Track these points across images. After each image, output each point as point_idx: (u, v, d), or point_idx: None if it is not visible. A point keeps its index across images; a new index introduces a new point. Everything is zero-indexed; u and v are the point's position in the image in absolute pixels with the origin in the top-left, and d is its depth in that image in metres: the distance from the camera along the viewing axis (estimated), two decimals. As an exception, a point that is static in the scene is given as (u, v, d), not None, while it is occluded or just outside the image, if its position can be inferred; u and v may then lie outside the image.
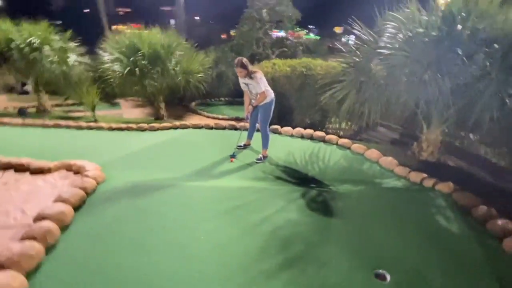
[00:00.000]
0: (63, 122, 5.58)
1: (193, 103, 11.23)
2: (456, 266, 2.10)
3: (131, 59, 6.56)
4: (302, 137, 5.01)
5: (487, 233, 2.48)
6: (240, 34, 11.64)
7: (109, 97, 10.91)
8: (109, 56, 6.64)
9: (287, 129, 5.20)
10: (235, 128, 5.32)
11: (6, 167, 3.29)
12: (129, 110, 10.38)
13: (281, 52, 12.28)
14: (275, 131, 5.22)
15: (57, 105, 9.84)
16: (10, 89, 11.88)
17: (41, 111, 7.99)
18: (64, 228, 2.19)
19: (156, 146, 4.41)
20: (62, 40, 7.74)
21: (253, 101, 4.00)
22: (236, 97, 11.25)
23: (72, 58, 7.71)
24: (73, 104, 9.71)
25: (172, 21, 20.10)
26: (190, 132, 5.21)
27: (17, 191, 2.84)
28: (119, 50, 6.63)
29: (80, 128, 5.38)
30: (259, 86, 3.76)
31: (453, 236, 2.49)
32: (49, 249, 1.98)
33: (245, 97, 4.12)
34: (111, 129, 5.34)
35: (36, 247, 1.89)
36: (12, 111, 8.12)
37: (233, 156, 4.01)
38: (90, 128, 5.38)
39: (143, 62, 6.64)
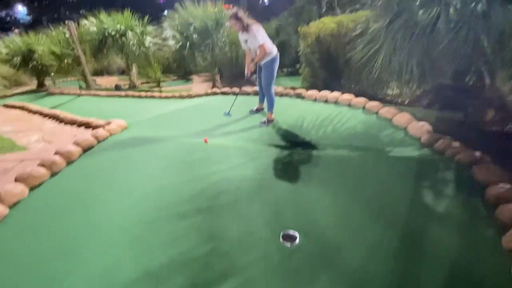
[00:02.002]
0: (130, 93, 6.88)
1: (254, 76, 11.41)
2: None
3: (184, 34, 7.22)
4: (326, 101, 4.47)
5: None
6: (300, -6, 10.68)
7: (186, 74, 12.47)
8: (167, 33, 7.50)
9: (311, 92, 4.73)
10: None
11: (72, 122, 4.45)
12: (198, 85, 11.57)
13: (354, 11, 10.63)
14: (298, 96, 4.85)
15: (147, 82, 12.03)
16: (122, 72, 15.25)
17: (131, 87, 9.99)
18: (70, 162, 2.89)
19: (182, 110, 4.93)
20: (141, 25, 9.21)
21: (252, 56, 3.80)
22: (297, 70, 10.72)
23: (148, 39, 9.11)
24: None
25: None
26: (219, 98, 5.49)
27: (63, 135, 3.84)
28: (175, 27, 7.38)
29: (140, 97, 6.51)
30: (256, 40, 3.50)
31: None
32: (53, 174, 2.69)
33: (247, 56, 3.97)
34: (160, 97, 6.22)
35: (41, 171, 2.60)
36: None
37: (227, 114, 4.06)
38: (146, 97, 6.43)
39: (194, 36, 7.21)
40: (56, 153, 2.91)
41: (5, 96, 8.83)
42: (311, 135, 3.35)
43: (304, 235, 1.76)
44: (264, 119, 3.86)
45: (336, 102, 4.35)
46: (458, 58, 3.13)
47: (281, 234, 1.77)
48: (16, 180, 2.50)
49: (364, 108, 4.00)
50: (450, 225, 1.80)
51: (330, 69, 6.27)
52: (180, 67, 11.91)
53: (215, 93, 5.68)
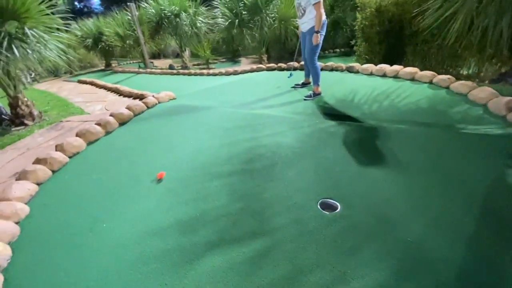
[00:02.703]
0: (181, 71, 7.16)
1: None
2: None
3: (234, 11, 7.15)
4: (384, 76, 3.94)
5: None
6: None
7: (235, 56, 12.56)
8: (217, 12, 7.52)
9: (366, 66, 4.23)
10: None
11: (129, 95, 4.80)
12: (246, 66, 11.58)
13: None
14: (350, 70, 4.39)
15: (197, 64, 12.50)
16: (176, 55, 16.12)
17: (183, 68, 10.47)
18: (122, 124, 3.11)
19: (228, 84, 4.92)
20: (194, 6, 9.45)
21: (299, 21, 3.47)
22: (351, 47, 9.83)
23: (200, 20, 9.32)
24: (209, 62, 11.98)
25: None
26: (264, 74, 5.33)
27: (121, 105, 4.15)
28: (225, 4, 7.35)
29: (190, 74, 6.73)
30: None
31: None
32: (107, 132, 2.92)
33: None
34: (208, 74, 6.34)
35: (97, 129, 2.84)
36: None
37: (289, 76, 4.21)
38: (196, 74, 6.62)
39: (243, 13, 7.10)
40: (111, 115, 3.15)
41: (79, 74, 10.11)
42: (363, 109, 2.98)
43: (346, 206, 1.55)
44: (310, 92, 3.57)
45: (396, 77, 3.81)
46: None
47: (319, 202, 1.59)
48: (77, 135, 2.77)
49: (431, 82, 3.41)
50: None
51: (391, 44, 5.56)
52: (228, 49, 12.04)
53: (260, 69, 5.53)
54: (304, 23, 3.36)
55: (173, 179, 1.99)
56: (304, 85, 4.03)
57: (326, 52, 11.42)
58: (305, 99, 3.50)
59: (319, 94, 3.55)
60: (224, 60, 12.06)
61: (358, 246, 1.29)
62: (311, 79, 3.89)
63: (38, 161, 2.34)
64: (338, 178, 1.80)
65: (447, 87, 3.19)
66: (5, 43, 3.42)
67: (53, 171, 2.32)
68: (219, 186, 1.84)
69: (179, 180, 1.97)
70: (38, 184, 2.15)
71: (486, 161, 1.85)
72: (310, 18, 3.24)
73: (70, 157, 2.52)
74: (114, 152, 2.56)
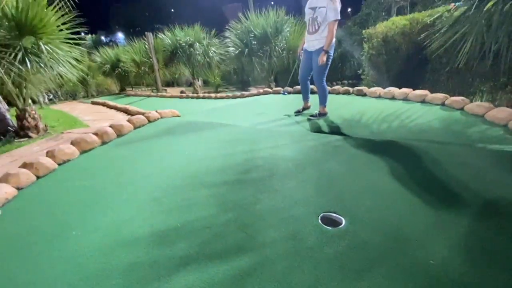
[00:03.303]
0: (190, 94, 7.31)
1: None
2: None
3: (244, 41, 7.46)
4: (393, 98, 3.82)
5: None
6: (369, 2, 10.07)
7: (244, 85, 12.94)
8: (228, 42, 7.88)
9: (374, 89, 4.13)
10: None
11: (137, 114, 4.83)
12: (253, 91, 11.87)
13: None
14: (358, 93, 4.30)
15: (208, 92, 12.89)
16: (189, 84, 16.82)
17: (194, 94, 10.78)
18: (119, 135, 3.01)
19: (233, 105, 4.91)
20: (208, 38, 9.98)
21: (308, 37, 3.18)
22: (358, 79, 9.96)
23: (212, 50, 9.77)
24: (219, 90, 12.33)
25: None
26: (270, 96, 5.32)
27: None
28: (236, 35, 7.71)
29: (198, 98, 6.85)
30: (332, 13, 2.89)
31: None
32: (103, 143, 2.81)
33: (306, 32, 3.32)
34: (216, 98, 6.42)
35: (93, 138, 2.74)
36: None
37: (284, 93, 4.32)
38: (204, 98, 6.72)
39: (253, 43, 7.38)
40: (110, 126, 3.08)
41: (95, 97, 10.53)
42: (372, 128, 2.80)
43: (352, 221, 1.31)
44: (316, 112, 3.41)
45: (405, 99, 3.68)
46: None
47: (321, 215, 1.35)
48: (71, 143, 2.68)
49: (443, 104, 3.24)
50: None
51: (398, 73, 5.54)
52: (238, 79, 12.46)
53: (267, 92, 5.54)
54: (315, 41, 3.13)
55: (159, 188, 1.80)
56: (304, 109, 3.70)
57: (334, 83, 11.63)
58: (309, 119, 3.36)
59: (325, 114, 3.39)
60: (234, 89, 12.39)
61: (366, 268, 1.03)
62: (309, 103, 3.72)
63: (24, 165, 2.21)
64: (343, 191, 1.57)
65: (461, 109, 3.01)
66: (19, 56, 3.55)
67: (38, 177, 2.18)
68: (208, 196, 1.63)
69: (165, 189, 1.78)
70: (18, 188, 2.00)
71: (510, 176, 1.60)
72: (323, 36, 3.05)
73: (60, 164, 2.39)
74: (104, 161, 2.42)
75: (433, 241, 1.15)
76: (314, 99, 3.63)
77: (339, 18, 2.95)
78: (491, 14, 2.94)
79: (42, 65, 3.78)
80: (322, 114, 3.38)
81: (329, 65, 3.25)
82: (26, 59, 3.62)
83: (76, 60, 4.31)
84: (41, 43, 3.70)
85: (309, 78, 3.51)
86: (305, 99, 3.69)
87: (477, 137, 2.36)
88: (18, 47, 3.58)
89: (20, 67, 3.56)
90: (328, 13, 2.92)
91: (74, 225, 1.49)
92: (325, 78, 3.33)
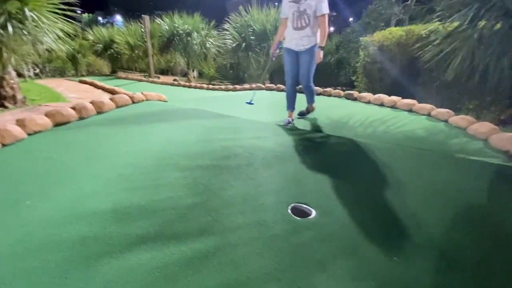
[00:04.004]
0: (182, 83, 7.18)
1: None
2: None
3: (242, 35, 7.38)
4: (382, 105, 3.84)
5: None
6: (370, 12, 10.17)
7: (240, 81, 12.84)
8: (227, 34, 7.77)
9: (365, 94, 4.15)
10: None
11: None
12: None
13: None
14: (348, 97, 4.32)
15: (202, 83, 12.73)
16: (184, 74, 16.58)
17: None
18: (99, 112, 2.89)
19: (223, 97, 4.85)
20: (207, 28, 9.83)
21: (293, 34, 2.78)
22: (352, 86, 10.04)
23: (210, 41, 9.63)
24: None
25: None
26: (262, 92, 5.28)
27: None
28: (235, 28, 7.61)
29: (190, 87, 6.73)
30: (324, 4, 2.61)
31: None
32: (81, 118, 2.69)
33: (281, 28, 2.98)
34: (208, 89, 6.33)
35: (70, 112, 2.62)
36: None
37: (249, 102, 3.59)
38: (196, 87, 6.62)
39: (251, 37, 7.31)
40: (91, 102, 2.95)
41: (85, 77, 10.19)
42: (357, 131, 2.79)
43: (322, 214, 1.27)
44: (303, 110, 3.30)
45: (393, 107, 3.71)
46: None
47: (291, 206, 1.31)
48: (45, 114, 2.54)
49: (429, 115, 3.28)
50: None
51: (391, 82, 5.60)
52: (234, 74, 12.35)
53: (259, 88, 5.49)
54: (304, 38, 2.76)
55: (130, 166, 1.72)
56: (291, 122, 3.01)
57: (328, 89, 11.70)
58: (298, 117, 3.30)
59: (314, 110, 3.31)
60: (228, 83, 12.27)
61: (330, 260, 0.99)
62: (294, 114, 3.15)
63: (-11, 131, 2.08)
64: (318, 185, 1.54)
65: (446, 121, 3.05)
66: (1, 20, 3.35)
67: (4, 145, 2.05)
68: (179, 178, 1.56)
69: (136, 168, 1.70)
70: (-21, 155, 1.87)
71: (485, 185, 1.61)
72: (315, 31, 2.74)
73: (29, 134, 2.26)
74: (79, 136, 2.30)
75: (401, 239, 1.12)
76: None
77: (327, 11, 2.67)
78: (483, 32, 3.00)
79: (25, 33, 3.59)
80: (309, 111, 3.32)
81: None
82: (9, 24, 3.43)
83: (66, 33, 4.13)
84: (26, 9, 3.51)
85: (297, 85, 3.08)
86: (292, 108, 3.08)
87: (458, 148, 2.38)
88: (2, 11, 3.39)
89: (1, 31, 3.37)
90: (319, 5, 2.62)
91: (30, 195, 1.39)
92: (312, 79, 2.98)
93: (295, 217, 1.24)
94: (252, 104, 3.65)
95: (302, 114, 3.29)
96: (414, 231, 1.19)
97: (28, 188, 1.47)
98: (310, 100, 3.25)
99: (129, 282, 0.89)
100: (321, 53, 2.77)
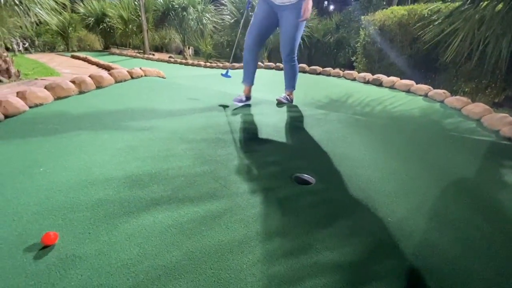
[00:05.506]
0: (179, 60, 7.03)
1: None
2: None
3: (241, 11, 7.15)
4: (380, 85, 3.88)
5: None
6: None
7: (237, 59, 12.58)
8: (225, 9, 7.52)
9: (364, 74, 4.18)
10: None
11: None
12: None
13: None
14: (347, 76, 4.33)
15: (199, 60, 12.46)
16: (179, 52, 16.11)
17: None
18: (99, 87, 2.87)
19: (218, 75, 4.77)
20: (203, 3, 9.47)
21: None
22: (351, 67, 9.95)
23: (207, 17, 9.32)
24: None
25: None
26: (260, 71, 5.23)
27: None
28: (233, 3, 7.36)
29: (187, 64, 6.61)
30: None
31: None
32: (81, 92, 2.68)
33: None
34: (205, 66, 6.24)
35: (70, 86, 2.60)
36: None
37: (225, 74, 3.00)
38: (193, 65, 6.50)
39: (250, 14, 7.09)
40: (90, 76, 2.92)
41: (76, 52, 9.86)
42: (355, 110, 2.86)
43: (323, 182, 1.36)
44: (284, 95, 2.63)
45: (391, 87, 3.76)
46: None
47: (294, 175, 1.40)
48: (45, 87, 2.52)
49: (426, 95, 3.35)
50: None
51: (390, 63, 5.59)
52: (232, 53, 12.08)
53: (259, 67, 5.44)
54: None
55: (136, 138, 1.76)
56: (247, 100, 2.59)
57: (327, 68, 11.57)
58: (278, 105, 2.58)
59: (292, 101, 2.69)
60: (225, 62, 12.03)
61: (331, 219, 1.09)
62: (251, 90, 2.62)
63: (-9, 102, 2.08)
64: (320, 157, 1.62)
65: (442, 101, 3.12)
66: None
67: (6, 116, 2.06)
68: (186, 149, 1.62)
69: (142, 139, 1.74)
70: (-17, 125, 1.89)
71: (476, 159, 1.71)
72: None
73: (31, 107, 2.26)
74: (81, 109, 2.31)
75: (395, 203, 1.22)
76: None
77: None
78: (484, 13, 2.99)
79: (17, 2, 3.45)
80: (290, 100, 2.66)
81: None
82: (-2, -8, 3.28)
83: (57, 4, 3.97)
84: (16, -24, 3.35)
85: (260, 49, 2.54)
86: (249, 81, 2.53)
87: (452, 127, 2.47)
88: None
89: (-9, 0, 3.24)
90: None
91: (42, 163, 1.44)
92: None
93: (298, 184, 1.33)
94: (230, 77, 3.06)
95: (280, 103, 2.60)
96: (407, 197, 1.29)
97: (38, 157, 1.51)
98: (290, 84, 2.56)
99: (149, 237, 0.97)
100: (310, 3, 2.03)
